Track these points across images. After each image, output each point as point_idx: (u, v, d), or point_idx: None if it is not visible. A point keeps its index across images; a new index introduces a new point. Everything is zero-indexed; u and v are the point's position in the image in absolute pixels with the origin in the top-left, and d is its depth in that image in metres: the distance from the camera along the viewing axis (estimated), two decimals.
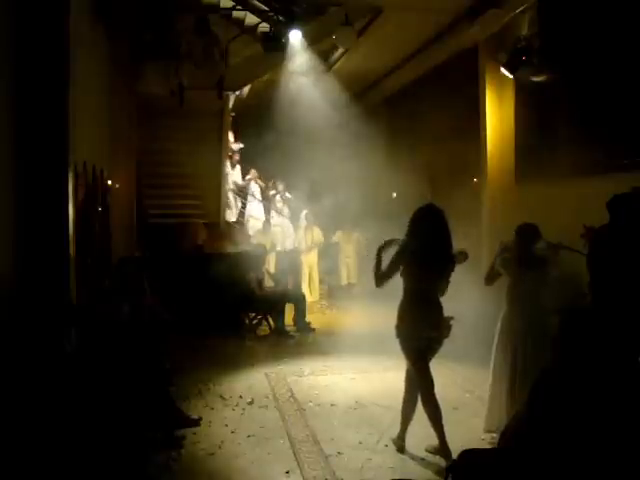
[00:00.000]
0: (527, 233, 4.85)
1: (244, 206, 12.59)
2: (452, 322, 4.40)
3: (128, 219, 9.01)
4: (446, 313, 4.46)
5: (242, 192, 12.59)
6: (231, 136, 12.16)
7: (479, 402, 5.49)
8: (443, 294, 4.48)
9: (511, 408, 4.54)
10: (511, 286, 4.90)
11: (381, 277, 4.42)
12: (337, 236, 11.92)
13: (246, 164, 12.89)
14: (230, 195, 12.04)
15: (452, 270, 4.46)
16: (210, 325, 8.38)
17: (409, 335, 4.37)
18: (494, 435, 4.74)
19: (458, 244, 4.90)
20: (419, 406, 4.51)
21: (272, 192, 12.69)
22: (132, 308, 5.31)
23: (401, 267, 4.41)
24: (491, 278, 4.96)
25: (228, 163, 12.06)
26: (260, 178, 12.75)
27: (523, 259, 4.81)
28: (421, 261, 4.35)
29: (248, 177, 12.74)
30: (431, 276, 4.41)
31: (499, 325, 4.91)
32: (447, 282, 4.47)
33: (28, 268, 4.60)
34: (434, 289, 4.44)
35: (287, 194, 12.59)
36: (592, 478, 2.67)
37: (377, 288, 4.46)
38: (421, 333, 4.35)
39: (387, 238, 4.51)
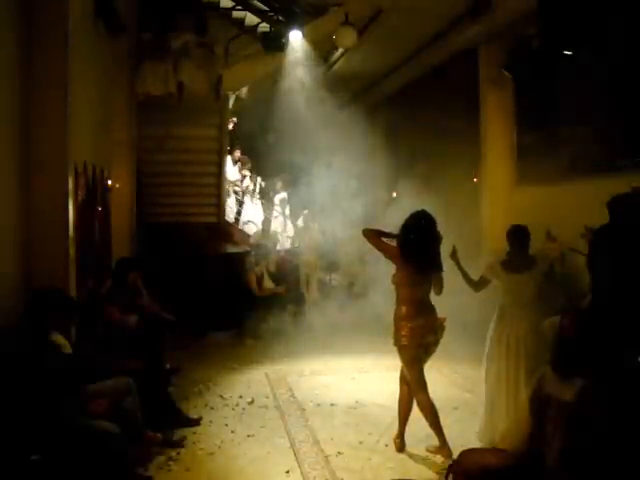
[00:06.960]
0: (516, 235, 4.76)
1: (241, 204, 12.54)
2: (445, 323, 4.42)
3: (128, 219, 8.99)
4: (446, 313, 4.47)
5: (239, 191, 12.53)
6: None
7: (479, 402, 5.49)
8: (440, 292, 4.49)
9: (510, 410, 4.49)
10: (501, 292, 4.81)
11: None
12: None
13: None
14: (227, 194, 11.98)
15: (440, 274, 4.46)
16: (210, 325, 8.38)
17: (408, 344, 4.37)
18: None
19: (458, 244, 4.89)
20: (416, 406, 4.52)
21: (271, 192, 12.65)
22: (129, 309, 5.32)
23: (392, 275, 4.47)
24: (477, 284, 4.80)
25: (229, 158, 11.98)
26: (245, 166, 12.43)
27: (510, 263, 4.69)
28: (411, 267, 4.36)
29: (237, 166, 12.42)
30: (421, 281, 4.42)
31: (490, 333, 4.77)
32: (441, 283, 4.48)
33: (28, 268, 4.60)
34: (426, 294, 4.45)
35: (285, 194, 12.55)
36: (592, 478, 2.68)
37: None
38: (420, 340, 4.35)
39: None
